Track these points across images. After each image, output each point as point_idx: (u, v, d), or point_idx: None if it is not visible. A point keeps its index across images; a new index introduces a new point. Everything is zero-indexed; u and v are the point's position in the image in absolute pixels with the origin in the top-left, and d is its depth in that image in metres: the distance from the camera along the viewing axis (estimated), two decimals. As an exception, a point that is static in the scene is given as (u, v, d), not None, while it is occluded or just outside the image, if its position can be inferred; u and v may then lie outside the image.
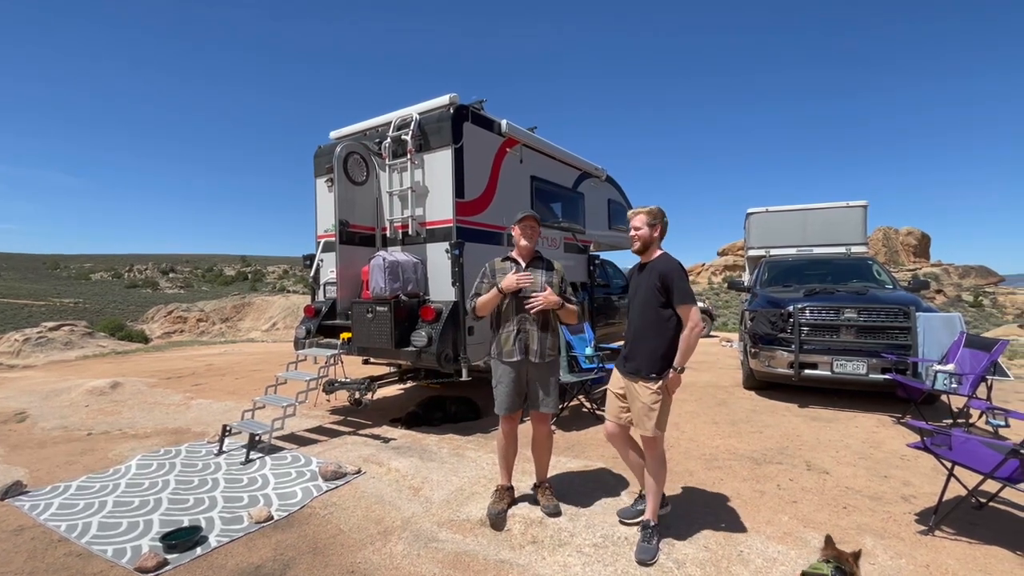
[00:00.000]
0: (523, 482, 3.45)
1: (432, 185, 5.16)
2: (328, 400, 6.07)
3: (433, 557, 2.74)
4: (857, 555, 2.17)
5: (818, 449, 4.33)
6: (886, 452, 4.24)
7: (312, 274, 6.01)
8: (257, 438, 4.32)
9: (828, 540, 2.25)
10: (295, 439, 4.73)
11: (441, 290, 5.05)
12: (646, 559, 2.62)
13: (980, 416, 4.90)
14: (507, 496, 3.19)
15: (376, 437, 4.71)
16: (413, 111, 5.32)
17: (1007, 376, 5.13)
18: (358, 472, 3.83)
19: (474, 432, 4.88)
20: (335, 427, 5.16)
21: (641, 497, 3.04)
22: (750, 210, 9.55)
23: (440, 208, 5.10)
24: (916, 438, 3.10)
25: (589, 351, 5.72)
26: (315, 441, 4.69)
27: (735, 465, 3.98)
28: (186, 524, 3.08)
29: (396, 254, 5.02)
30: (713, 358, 9.52)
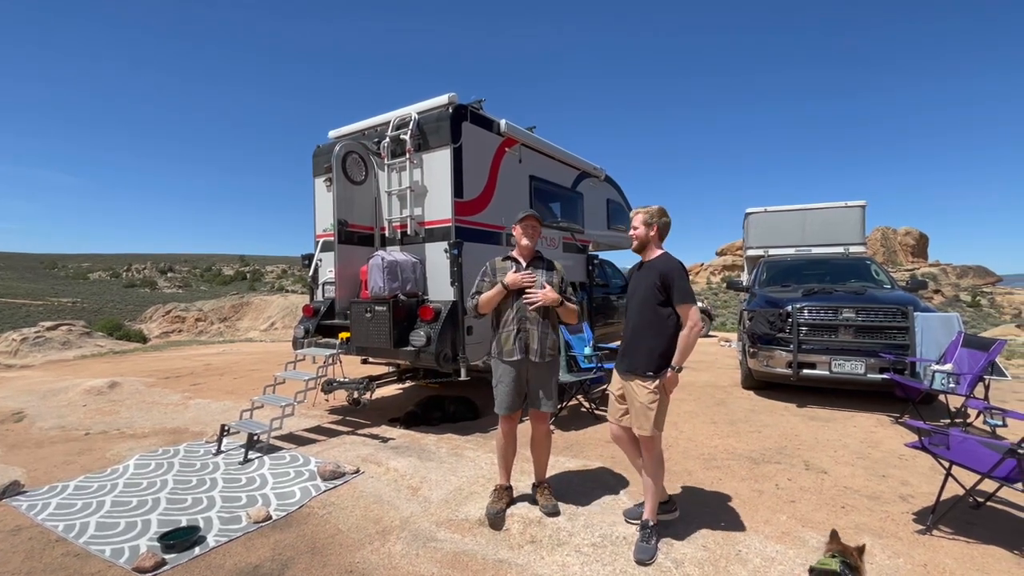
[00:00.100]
0: (522, 482, 3.45)
1: (431, 185, 5.16)
2: (327, 400, 6.07)
3: (432, 557, 2.74)
4: (861, 549, 2.19)
5: (816, 449, 4.34)
6: (884, 452, 4.25)
7: (311, 274, 6.01)
8: (255, 438, 4.31)
9: (833, 534, 2.27)
10: (293, 439, 4.73)
11: (440, 290, 5.05)
12: (644, 559, 2.62)
13: (978, 416, 4.91)
14: (506, 496, 3.19)
15: (375, 437, 4.71)
16: (412, 110, 5.31)
17: (1005, 376, 5.14)
18: (356, 472, 3.83)
19: (473, 432, 4.88)
20: (333, 427, 5.16)
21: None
22: (749, 210, 9.56)
23: (439, 208, 5.09)
24: (914, 438, 3.11)
25: (588, 351, 5.72)
26: (313, 441, 4.68)
27: (733, 465, 3.99)
28: (184, 524, 3.08)
29: (395, 254, 5.02)
30: (712, 358, 9.52)
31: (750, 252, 9.50)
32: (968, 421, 4.96)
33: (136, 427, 5.37)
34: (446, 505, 3.29)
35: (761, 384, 6.41)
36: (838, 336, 5.61)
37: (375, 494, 3.47)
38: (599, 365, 5.59)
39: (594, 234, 7.86)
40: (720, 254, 65.09)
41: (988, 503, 3.16)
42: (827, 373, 5.52)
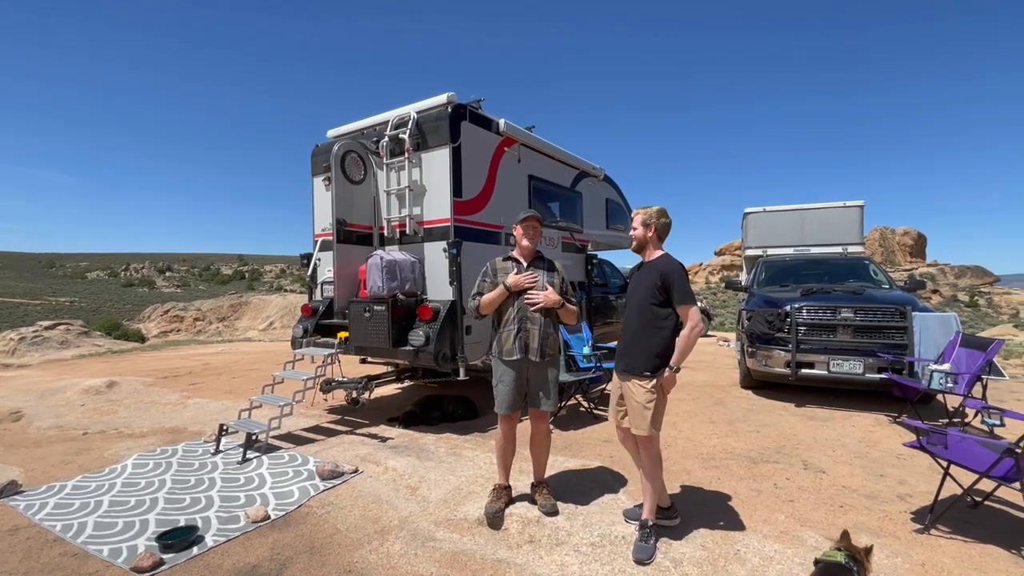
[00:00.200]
0: (520, 481, 3.45)
1: (430, 184, 5.15)
2: (325, 399, 6.07)
3: (430, 556, 2.74)
4: (869, 550, 2.20)
5: (815, 448, 4.34)
6: (882, 451, 4.26)
7: (309, 273, 6.00)
8: (254, 437, 4.31)
9: (844, 534, 2.28)
10: (292, 438, 4.72)
11: (439, 289, 5.04)
12: (643, 558, 2.62)
13: (976, 415, 4.93)
14: (505, 495, 3.19)
15: (373, 436, 4.70)
16: (411, 110, 5.31)
17: (1002, 375, 5.15)
18: (355, 471, 3.83)
19: (471, 431, 4.88)
20: (332, 426, 5.15)
21: None
22: (747, 210, 9.57)
23: (438, 207, 5.09)
24: (912, 437, 3.12)
25: (587, 350, 5.72)
26: (312, 440, 4.68)
27: (732, 464, 3.99)
28: (182, 524, 3.07)
29: (394, 253, 5.01)
30: (710, 357, 9.53)
31: (749, 252, 9.51)
32: (966, 420, 4.97)
33: (134, 427, 5.36)
34: (445, 505, 3.29)
35: (760, 384, 6.42)
36: (836, 336, 5.62)
37: (374, 494, 3.47)
38: (598, 365, 5.59)
39: (593, 234, 7.86)
40: (719, 254, 65.17)
41: (986, 502, 3.17)
42: (825, 373, 5.53)
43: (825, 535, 2.85)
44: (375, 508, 3.28)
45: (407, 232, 5.27)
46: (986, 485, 3.04)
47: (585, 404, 5.66)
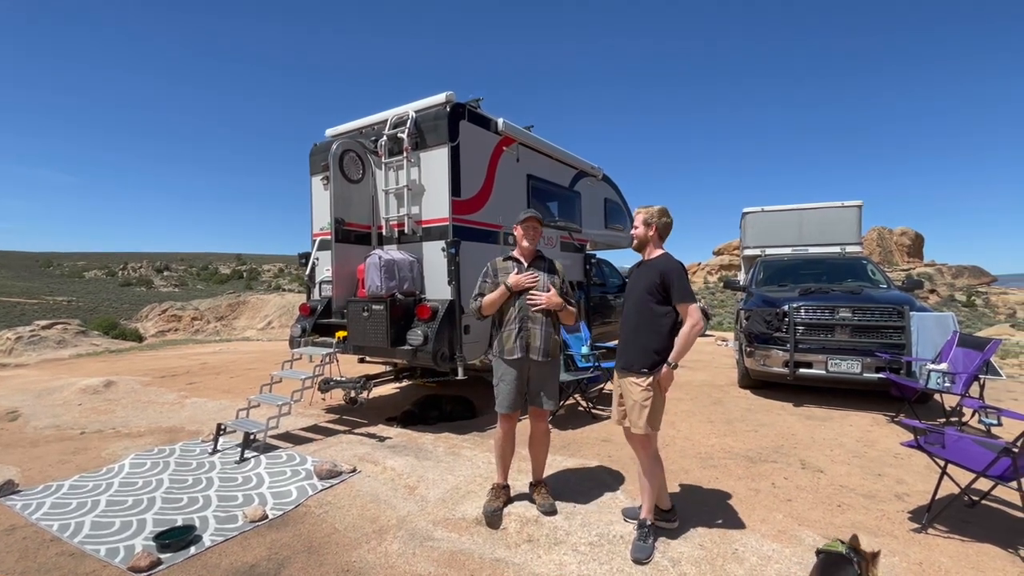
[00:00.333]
0: (519, 481, 3.45)
1: (428, 183, 5.15)
2: (323, 399, 6.06)
3: (428, 556, 2.74)
4: (876, 555, 2.22)
5: (813, 448, 4.35)
6: (880, 451, 4.27)
7: (307, 272, 5.99)
8: (252, 437, 4.30)
9: (854, 537, 2.31)
10: (290, 438, 4.71)
11: (437, 289, 5.04)
12: (641, 557, 2.62)
13: (973, 415, 4.94)
14: (503, 495, 3.19)
15: (372, 436, 4.70)
16: (409, 109, 5.30)
17: (999, 375, 5.16)
18: (353, 471, 3.82)
19: (470, 431, 4.87)
20: (330, 426, 5.15)
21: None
22: (746, 210, 9.59)
23: (436, 206, 5.08)
24: (910, 437, 3.12)
25: (585, 350, 5.72)
26: (310, 440, 4.67)
27: (730, 464, 4.00)
28: (180, 523, 3.07)
29: (392, 252, 5.01)
30: (709, 357, 9.54)
31: (747, 252, 9.53)
32: (963, 420, 4.98)
33: (132, 426, 5.35)
34: (443, 504, 3.29)
35: (758, 383, 6.43)
36: (834, 335, 5.63)
37: (372, 493, 3.47)
38: (596, 364, 5.59)
39: (591, 233, 7.86)
40: (717, 253, 65.24)
41: (983, 502, 3.18)
42: (823, 372, 5.54)
43: (823, 535, 2.86)
44: (373, 507, 3.27)
45: (405, 231, 5.26)
46: (983, 484, 3.04)
47: (583, 403, 5.65)
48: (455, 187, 4.99)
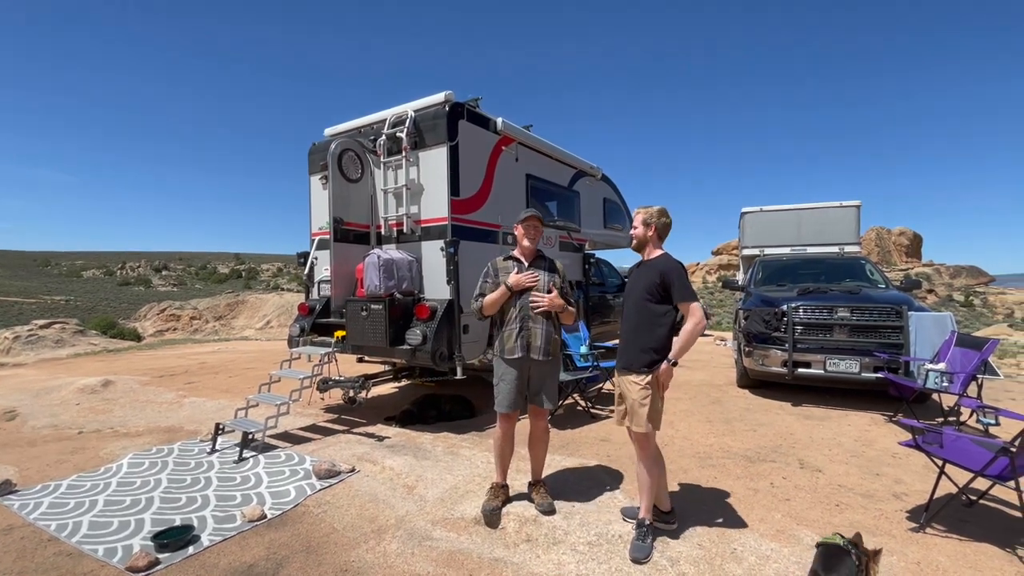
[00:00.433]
0: (518, 480, 3.44)
1: (427, 183, 5.14)
2: (322, 398, 6.05)
3: (427, 556, 2.73)
4: (877, 552, 2.25)
5: (811, 447, 4.36)
6: (878, 450, 4.27)
7: (306, 272, 5.98)
8: (250, 436, 4.29)
9: (857, 535, 2.33)
10: (289, 437, 4.71)
11: (436, 288, 5.03)
12: (640, 557, 2.62)
13: (971, 414, 4.95)
14: (502, 494, 3.19)
15: (370, 435, 4.69)
16: (408, 108, 5.29)
17: (997, 375, 5.18)
18: (352, 471, 3.82)
19: (469, 430, 4.87)
20: (329, 425, 5.14)
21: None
22: (745, 209, 9.59)
23: (435, 206, 5.08)
24: (908, 436, 3.12)
25: (584, 349, 5.72)
26: (309, 439, 4.67)
27: (729, 463, 4.00)
28: (178, 523, 3.06)
29: (391, 252, 5.00)
30: (707, 357, 9.55)
31: (746, 251, 9.53)
32: (961, 420, 4.99)
33: (130, 426, 5.34)
34: (442, 504, 3.28)
35: (756, 383, 6.44)
36: (833, 335, 5.64)
37: (371, 493, 3.46)
38: (595, 364, 5.59)
39: (590, 233, 7.86)
40: (716, 253, 65.32)
41: (981, 501, 3.18)
42: (822, 372, 5.55)
43: (821, 534, 2.86)
44: (372, 507, 3.27)
45: (404, 231, 5.26)
46: (981, 484, 3.05)
47: (582, 403, 5.66)
48: (454, 186, 4.98)
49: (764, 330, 5.89)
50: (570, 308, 3.17)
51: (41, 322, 14.30)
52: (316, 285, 5.89)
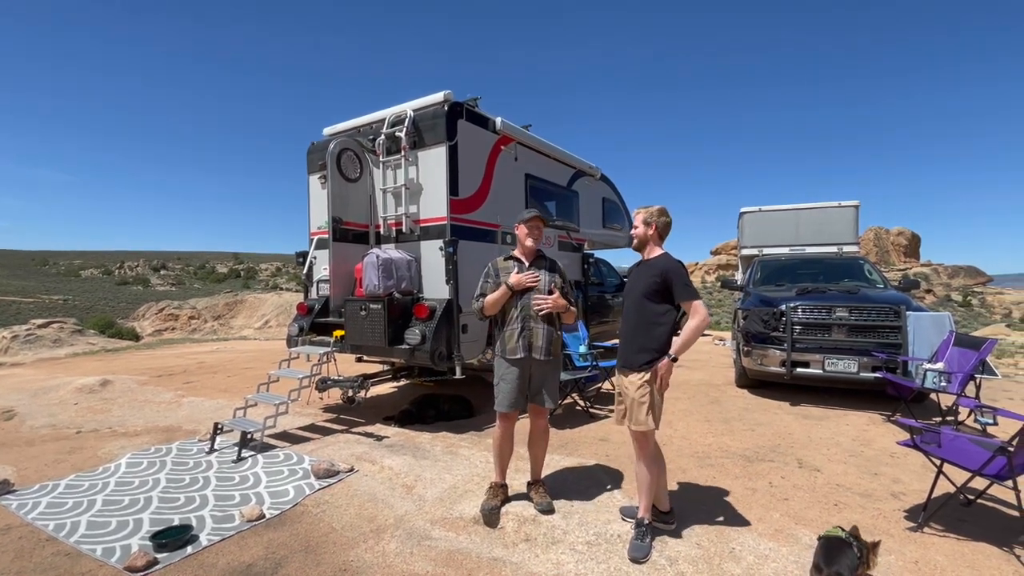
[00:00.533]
0: (517, 480, 3.44)
1: (426, 182, 5.14)
2: (321, 398, 6.05)
3: (426, 555, 2.73)
4: (876, 544, 2.27)
5: (809, 447, 4.36)
6: (876, 450, 4.28)
7: (305, 271, 5.97)
8: (249, 436, 4.28)
9: (855, 528, 2.37)
10: (287, 437, 4.70)
11: (435, 288, 5.03)
12: (639, 556, 2.63)
13: (969, 414, 4.96)
14: (501, 493, 3.19)
15: (369, 435, 4.69)
16: (407, 108, 5.29)
17: (995, 374, 5.19)
18: (351, 470, 3.81)
19: (468, 430, 4.87)
20: (328, 425, 5.14)
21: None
22: (743, 209, 9.60)
23: (434, 206, 5.08)
24: (906, 436, 3.13)
25: (583, 349, 5.72)
26: (308, 439, 4.66)
27: (727, 463, 4.01)
28: (176, 523, 3.06)
29: (390, 251, 5.00)
30: (706, 356, 9.56)
31: (745, 251, 9.55)
32: (959, 419, 5.00)
33: (128, 425, 5.33)
34: (441, 503, 3.29)
35: (755, 382, 6.44)
36: (831, 335, 5.65)
37: (369, 492, 3.46)
38: (594, 363, 5.59)
39: (589, 233, 7.86)
40: (715, 253, 65.40)
41: (978, 500, 3.19)
42: (820, 372, 5.56)
43: (819, 533, 2.87)
44: (371, 507, 3.27)
45: (403, 230, 5.25)
46: (979, 483, 3.05)
47: (581, 403, 5.66)
48: (453, 186, 4.98)
49: (763, 330, 5.90)
50: (572, 308, 3.17)
51: (39, 321, 14.27)
52: (315, 285, 5.88)
